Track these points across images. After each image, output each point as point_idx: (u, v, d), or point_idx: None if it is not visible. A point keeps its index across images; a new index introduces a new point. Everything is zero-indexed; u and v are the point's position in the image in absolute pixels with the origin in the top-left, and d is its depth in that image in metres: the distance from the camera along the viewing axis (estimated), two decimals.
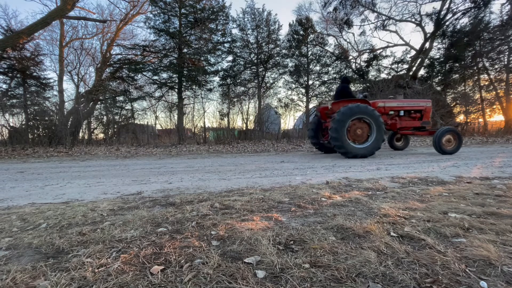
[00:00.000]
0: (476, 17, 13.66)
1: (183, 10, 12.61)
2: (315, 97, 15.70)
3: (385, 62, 24.19)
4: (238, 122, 14.79)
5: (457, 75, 14.78)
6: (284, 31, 35.53)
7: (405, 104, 6.85)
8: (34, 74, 12.28)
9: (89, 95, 12.66)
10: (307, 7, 28.37)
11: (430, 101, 7.22)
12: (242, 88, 14.84)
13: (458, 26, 14.31)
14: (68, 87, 34.10)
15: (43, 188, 2.96)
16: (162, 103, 13.76)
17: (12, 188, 3.03)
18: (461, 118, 14.63)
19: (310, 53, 15.26)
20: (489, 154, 5.97)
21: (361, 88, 15.38)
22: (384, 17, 15.65)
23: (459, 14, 13.97)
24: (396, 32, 15.97)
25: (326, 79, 15.68)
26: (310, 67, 15.29)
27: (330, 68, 15.69)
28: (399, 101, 6.97)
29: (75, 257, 1.18)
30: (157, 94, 13.64)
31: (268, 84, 15.39)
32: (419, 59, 15.04)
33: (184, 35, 12.83)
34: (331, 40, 17.37)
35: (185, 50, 12.87)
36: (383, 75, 15.96)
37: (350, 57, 16.04)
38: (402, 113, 6.75)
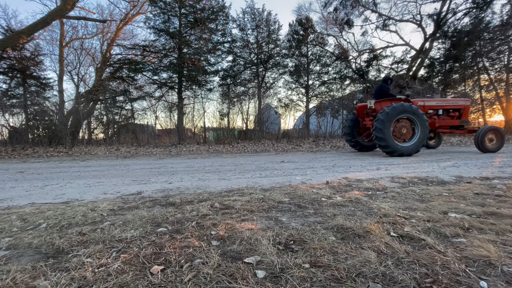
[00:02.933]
0: (476, 17, 13.65)
1: (183, 10, 12.62)
2: (315, 97, 15.72)
3: (385, 62, 24.21)
4: (238, 122, 14.80)
5: (457, 75, 14.79)
6: (284, 31, 35.58)
7: (444, 103, 6.88)
8: (34, 74, 12.28)
9: (89, 95, 12.66)
10: (307, 7, 28.36)
11: (469, 100, 7.17)
12: (242, 88, 14.85)
13: (459, 26, 14.33)
14: (68, 87, 34.18)
15: (43, 188, 2.96)
16: (162, 103, 13.77)
17: (12, 188, 3.03)
18: None
19: (310, 53, 15.26)
20: (489, 154, 5.97)
21: (360, 88, 15.37)
22: (384, 17, 15.64)
23: (459, 14, 13.98)
24: (396, 32, 15.97)
25: (326, 79, 15.69)
26: (310, 67, 15.29)
27: (330, 68, 15.69)
28: (438, 100, 7.01)
29: (75, 257, 1.18)
30: (157, 94, 13.66)
31: (268, 84, 15.39)
32: (419, 59, 15.03)
33: (184, 35, 12.83)
34: (331, 40, 17.42)
35: (185, 50, 12.87)
36: (383, 75, 15.96)
37: (350, 57, 16.03)
38: (440, 111, 6.75)
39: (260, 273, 1.03)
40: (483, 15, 13.56)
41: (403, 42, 15.76)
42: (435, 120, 6.73)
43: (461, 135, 10.58)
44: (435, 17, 14.29)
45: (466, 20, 14.20)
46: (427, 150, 7.48)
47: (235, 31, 16.25)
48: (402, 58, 15.95)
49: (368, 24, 16.12)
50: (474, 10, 13.58)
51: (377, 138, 5.66)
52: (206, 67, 13.44)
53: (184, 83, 13.17)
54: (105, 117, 13.49)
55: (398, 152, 5.61)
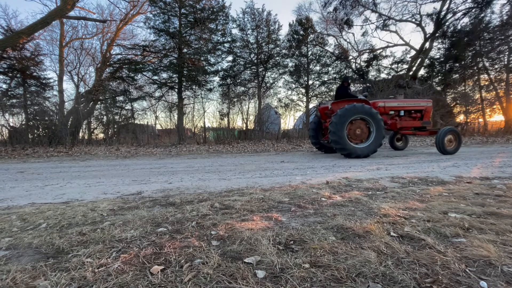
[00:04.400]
0: (476, 17, 13.66)
1: (183, 10, 12.61)
2: (315, 97, 15.71)
3: (385, 62, 24.24)
4: (238, 122, 14.78)
5: (457, 75, 14.78)
6: (284, 31, 35.53)
7: (406, 104, 6.83)
8: (34, 74, 12.27)
9: (89, 95, 12.66)
10: (307, 7, 28.34)
11: (431, 101, 7.14)
12: (242, 88, 14.85)
13: (459, 26, 14.33)
14: (68, 87, 34.12)
15: (43, 188, 2.96)
16: (162, 103, 13.76)
17: (12, 188, 3.03)
18: (461, 118, 14.64)
19: (310, 53, 15.26)
20: (489, 154, 5.97)
21: (361, 88, 15.37)
22: (384, 17, 15.65)
23: (459, 14, 13.98)
24: (396, 32, 15.98)
25: (326, 79, 15.69)
26: (310, 67, 15.29)
27: (330, 68, 15.70)
28: (399, 101, 6.95)
29: (75, 257, 1.18)
30: (157, 94, 13.65)
31: (268, 84, 15.38)
32: (419, 59, 15.04)
33: (184, 35, 12.82)
34: (331, 40, 17.40)
35: (185, 50, 12.87)
36: (383, 75, 15.98)
37: (350, 57, 16.05)
38: (402, 113, 6.73)
39: (260, 273, 1.03)
40: (482, 15, 13.56)
41: (403, 42, 15.78)
42: (396, 121, 6.69)
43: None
44: (434, 16, 14.30)
45: (466, 20, 14.22)
46: (427, 151, 7.48)
47: (235, 31, 16.26)
48: (402, 58, 15.98)
49: (368, 24, 16.15)
50: (473, 10, 13.59)
51: (333, 141, 5.63)
52: (206, 67, 13.44)
53: (184, 83, 13.17)
54: (105, 117, 13.50)
55: (355, 154, 5.56)
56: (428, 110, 6.84)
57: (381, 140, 5.72)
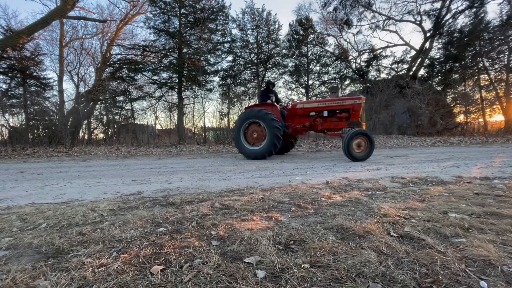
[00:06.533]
0: (476, 17, 13.66)
1: (183, 10, 12.61)
2: (315, 97, 15.70)
3: (385, 62, 24.21)
4: None
5: (457, 75, 14.77)
6: (284, 31, 35.53)
7: (328, 104, 6.18)
8: (34, 74, 12.26)
9: (89, 95, 12.65)
10: (307, 7, 28.37)
11: (361, 98, 5.95)
12: (242, 88, 14.84)
13: (458, 26, 14.33)
14: (68, 87, 34.11)
15: (43, 188, 2.96)
16: (162, 103, 13.75)
17: (12, 188, 3.03)
18: (461, 118, 14.63)
19: (310, 53, 15.26)
20: (489, 154, 5.97)
21: (360, 88, 15.37)
22: (384, 17, 15.65)
23: (458, 14, 13.98)
24: (396, 32, 15.97)
25: (326, 79, 15.70)
26: (310, 67, 15.29)
27: (330, 68, 15.70)
28: (320, 101, 6.75)
29: (75, 257, 1.18)
30: (157, 94, 13.64)
31: None
32: (419, 59, 15.03)
33: (184, 35, 12.82)
34: (331, 40, 17.39)
35: (185, 50, 12.87)
36: (383, 75, 15.97)
37: (350, 57, 16.04)
38: (325, 113, 6.13)
39: (260, 273, 1.03)
40: (481, 14, 13.56)
41: (403, 42, 15.77)
42: (318, 122, 6.11)
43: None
44: (434, 16, 14.30)
45: (466, 19, 14.23)
46: (427, 151, 7.48)
47: (235, 31, 16.22)
48: (402, 58, 15.97)
49: (368, 24, 16.13)
50: (469, 9, 13.59)
51: (235, 144, 6.15)
52: (206, 67, 13.43)
53: (184, 83, 13.17)
54: (105, 117, 13.47)
55: (252, 156, 5.95)
56: (356, 108, 5.83)
57: (275, 142, 5.75)
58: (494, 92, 14.35)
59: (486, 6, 13.28)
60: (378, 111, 12.28)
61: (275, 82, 15.51)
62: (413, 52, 15.49)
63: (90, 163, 5.84)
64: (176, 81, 13.02)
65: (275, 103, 6.39)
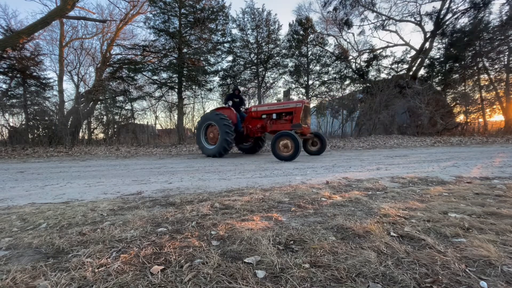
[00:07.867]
0: (476, 17, 13.65)
1: (183, 10, 12.60)
2: (315, 97, 15.70)
3: (385, 62, 24.25)
4: None
5: (457, 75, 14.76)
6: (284, 31, 35.60)
7: (275, 107, 6.70)
8: (34, 74, 12.25)
9: (89, 95, 12.64)
10: (307, 7, 28.39)
11: (302, 102, 6.21)
12: (242, 88, 14.83)
13: (458, 26, 14.32)
14: (68, 87, 34.13)
15: (43, 188, 2.96)
16: (162, 103, 13.74)
17: (12, 188, 3.03)
18: (461, 118, 14.63)
19: (310, 53, 15.23)
20: (489, 154, 5.97)
21: (360, 88, 15.35)
22: (384, 17, 15.64)
23: (459, 14, 13.97)
24: (396, 32, 15.96)
25: (326, 79, 15.66)
26: (310, 67, 15.28)
27: (330, 68, 15.66)
28: (269, 104, 7.14)
29: (75, 257, 1.18)
30: (157, 94, 13.63)
31: (268, 84, 15.38)
32: (419, 59, 15.02)
33: (184, 35, 12.81)
34: (331, 40, 17.35)
35: (185, 50, 12.86)
36: (383, 75, 15.95)
37: (350, 57, 16.01)
38: (274, 116, 6.64)
39: (260, 273, 1.03)
40: (482, 15, 13.56)
41: (403, 42, 15.76)
42: (267, 124, 6.67)
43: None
44: (434, 16, 14.30)
45: (466, 19, 14.22)
46: (427, 151, 7.48)
47: (235, 31, 16.21)
48: (402, 58, 15.94)
49: (368, 24, 16.13)
50: (472, 10, 13.58)
51: (197, 143, 7.19)
52: (206, 67, 13.43)
53: (184, 83, 13.16)
54: (105, 117, 13.46)
55: (208, 153, 6.84)
56: (297, 111, 6.10)
57: (224, 144, 6.42)
58: (494, 92, 14.35)
59: (491, 7, 13.27)
60: (378, 111, 12.27)
61: (274, 84, 15.53)
62: (413, 52, 15.49)
63: (90, 163, 5.84)
64: (176, 81, 13.01)
65: (232, 107, 7.09)
